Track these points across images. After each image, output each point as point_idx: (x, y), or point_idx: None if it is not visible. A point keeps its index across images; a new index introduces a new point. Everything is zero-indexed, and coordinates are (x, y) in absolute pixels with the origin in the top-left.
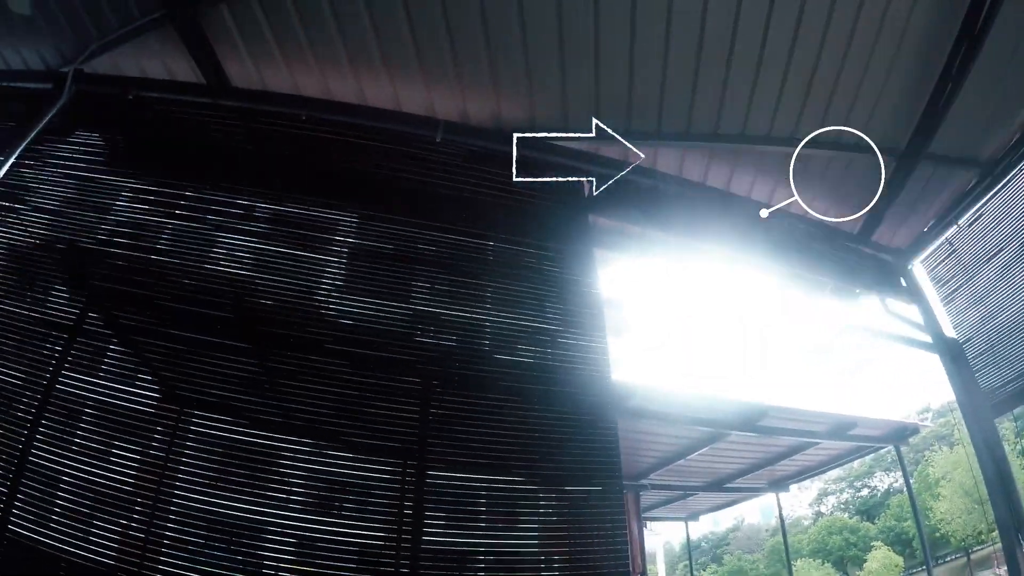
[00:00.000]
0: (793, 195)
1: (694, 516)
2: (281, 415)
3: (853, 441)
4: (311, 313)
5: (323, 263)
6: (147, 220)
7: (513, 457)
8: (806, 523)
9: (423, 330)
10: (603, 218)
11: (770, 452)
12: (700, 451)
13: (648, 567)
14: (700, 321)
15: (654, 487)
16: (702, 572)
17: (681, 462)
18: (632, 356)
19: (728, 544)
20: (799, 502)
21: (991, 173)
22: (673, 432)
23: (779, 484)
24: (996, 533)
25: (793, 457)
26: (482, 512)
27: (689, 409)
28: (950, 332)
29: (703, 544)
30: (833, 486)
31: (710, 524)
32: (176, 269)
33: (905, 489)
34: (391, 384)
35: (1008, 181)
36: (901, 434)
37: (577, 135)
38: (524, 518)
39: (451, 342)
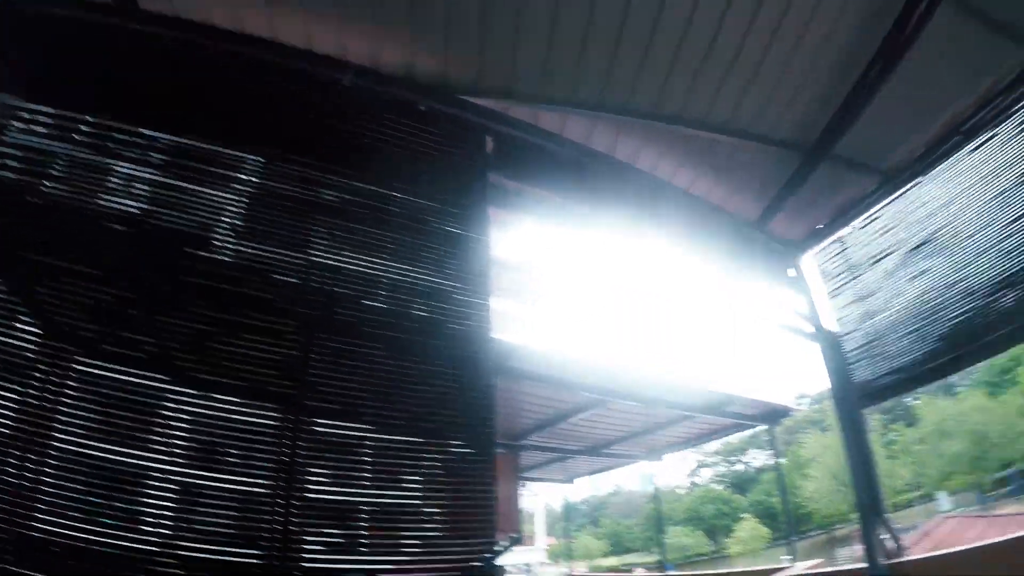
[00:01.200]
0: (697, 176)
1: (572, 479)
2: (164, 358)
3: (728, 418)
4: (205, 252)
5: (222, 201)
6: (41, 146)
7: (395, 411)
8: (682, 492)
9: (318, 277)
10: (506, 179)
11: (648, 422)
12: (580, 415)
13: (527, 527)
14: (595, 290)
15: (534, 448)
16: (580, 534)
17: (562, 425)
18: (525, 318)
19: (607, 508)
20: (677, 472)
21: (890, 182)
22: (555, 395)
23: (655, 453)
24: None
25: (670, 428)
26: (365, 465)
27: (569, 374)
28: (831, 325)
29: (582, 507)
30: (710, 459)
31: (590, 488)
32: (67, 199)
33: (780, 463)
34: (277, 328)
35: (904, 192)
36: (774, 415)
37: (489, 93)
38: (405, 473)
39: (344, 290)
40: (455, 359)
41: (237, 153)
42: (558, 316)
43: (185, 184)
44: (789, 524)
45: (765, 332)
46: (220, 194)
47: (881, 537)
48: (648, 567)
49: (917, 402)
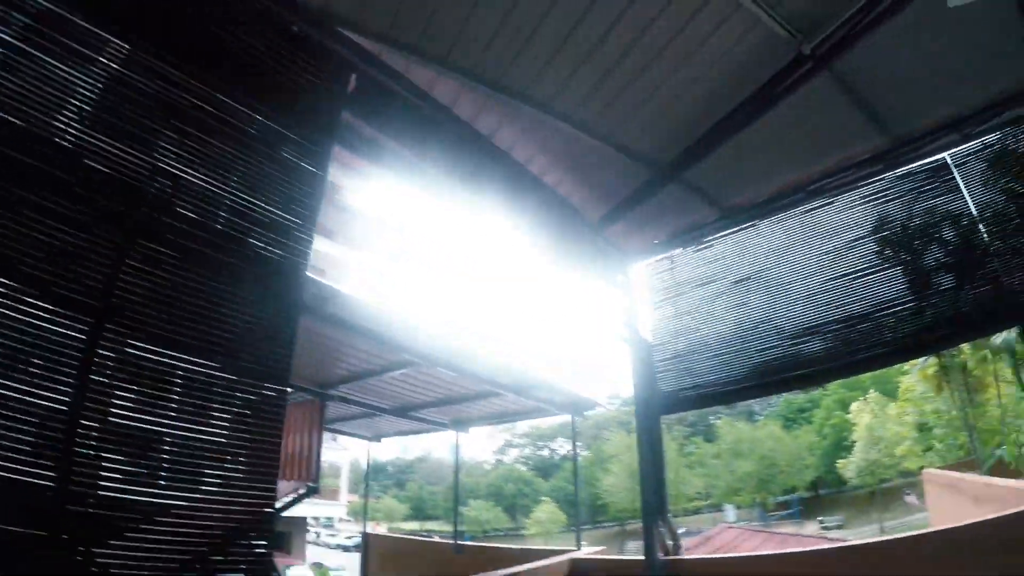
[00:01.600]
0: (551, 166)
1: (379, 437)
2: None
3: (534, 401)
4: (45, 135)
5: (74, 82)
6: None
7: (212, 341)
8: (488, 468)
9: (159, 184)
10: (364, 123)
11: (455, 392)
12: (392, 374)
13: (332, 481)
14: (432, 255)
15: (342, 400)
16: (384, 495)
17: (372, 381)
18: (356, 267)
19: (414, 473)
20: (485, 448)
21: (730, 217)
22: (370, 350)
23: (463, 424)
24: None
25: (478, 402)
26: (174, 395)
27: (387, 330)
28: (646, 334)
29: (389, 468)
30: (519, 440)
31: (400, 451)
32: None
33: (581, 456)
34: (95, 230)
35: (740, 230)
36: (579, 406)
37: (365, 32)
38: (213, 408)
39: (181, 204)
40: (273, 294)
41: (102, 33)
42: (390, 272)
43: (39, 54)
44: (579, 512)
45: (587, 329)
46: (74, 73)
47: (662, 535)
48: (445, 535)
49: (718, 421)
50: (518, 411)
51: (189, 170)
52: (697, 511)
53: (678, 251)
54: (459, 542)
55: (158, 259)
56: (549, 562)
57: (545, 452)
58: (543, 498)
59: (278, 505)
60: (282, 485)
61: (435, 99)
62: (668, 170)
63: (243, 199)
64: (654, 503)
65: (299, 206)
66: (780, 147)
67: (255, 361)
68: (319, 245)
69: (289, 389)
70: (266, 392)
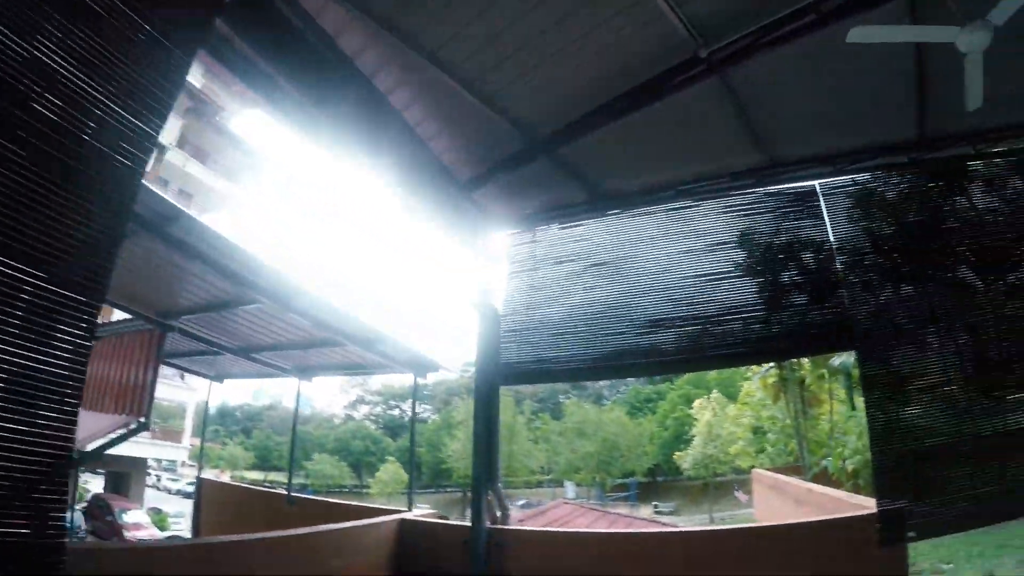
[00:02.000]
0: (427, 118)
1: (222, 378)
2: None
3: (378, 356)
4: None
5: None
6: None
7: (25, 236)
8: (338, 423)
9: None
10: (243, 43)
11: (299, 337)
12: (235, 310)
13: (176, 421)
14: (304, 196)
15: (182, 332)
16: (231, 441)
17: (216, 315)
18: (234, 199)
19: (263, 421)
20: (337, 402)
21: (600, 201)
22: (213, 280)
23: (305, 372)
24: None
25: (322, 349)
26: None
27: (228, 259)
28: (497, 303)
29: (238, 414)
30: (372, 397)
31: (251, 396)
32: None
33: (430, 420)
34: None
35: (608, 216)
36: (423, 367)
37: None
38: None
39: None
40: (102, 198)
41: None
42: (260, 207)
43: None
44: (411, 474)
45: (442, 291)
46: None
47: (491, 503)
48: (289, 488)
49: (568, 401)
50: (361, 364)
51: (34, 44)
52: (539, 484)
53: (543, 227)
54: (292, 494)
55: None
56: (376, 520)
57: (396, 412)
58: (389, 457)
59: (103, 441)
60: (108, 419)
61: (320, 27)
62: (545, 142)
63: (81, 86)
64: (484, 472)
65: (146, 108)
66: (660, 142)
67: (69, 270)
68: (192, 169)
69: (103, 305)
70: (76, 307)
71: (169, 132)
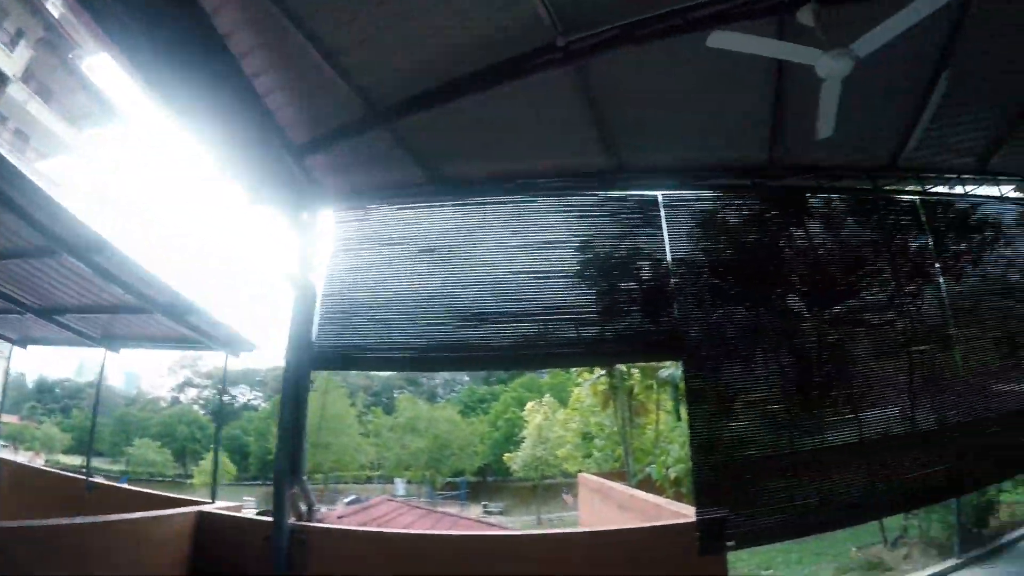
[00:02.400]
0: (268, 70)
1: (26, 344)
2: None
3: (188, 329)
4: None
5: None
6: None
7: None
8: (163, 405)
9: None
10: None
11: (104, 300)
12: (34, 261)
13: None
14: (135, 148)
15: None
16: (48, 420)
17: (12, 265)
18: (73, 144)
19: (84, 399)
20: (164, 383)
21: (436, 184)
22: (7, 222)
23: (113, 341)
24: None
25: (127, 316)
26: None
27: (20, 197)
28: (316, 282)
29: (57, 390)
30: (200, 380)
31: (73, 372)
32: None
33: (260, 408)
34: None
35: (441, 202)
36: (236, 345)
37: None
38: None
39: None
40: None
41: None
42: (91, 153)
43: None
44: (215, 461)
45: (266, 266)
46: None
47: (296, 498)
48: (111, 475)
49: (401, 396)
50: (170, 337)
51: None
52: (369, 480)
53: (374, 205)
54: (91, 479)
55: None
56: (168, 512)
57: (226, 397)
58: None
59: None
60: None
61: None
62: (385, 113)
63: None
64: (287, 464)
65: None
66: (507, 132)
67: None
68: (34, 108)
69: None
70: None
71: (15, 61)
